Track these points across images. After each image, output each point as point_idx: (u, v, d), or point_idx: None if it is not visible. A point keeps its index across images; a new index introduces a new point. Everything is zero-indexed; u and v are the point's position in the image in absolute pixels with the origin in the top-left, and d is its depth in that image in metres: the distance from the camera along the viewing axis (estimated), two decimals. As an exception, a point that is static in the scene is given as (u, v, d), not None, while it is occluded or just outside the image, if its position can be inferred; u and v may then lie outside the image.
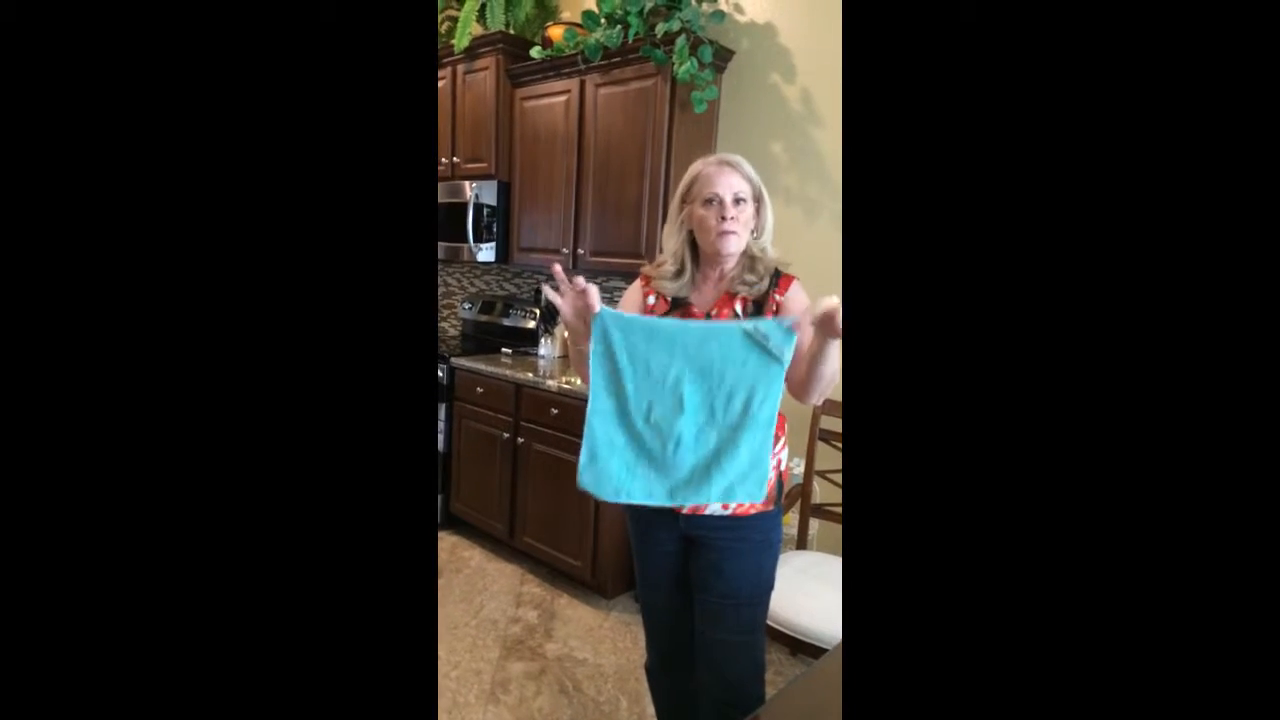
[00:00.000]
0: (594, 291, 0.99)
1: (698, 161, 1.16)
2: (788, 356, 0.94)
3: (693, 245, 1.17)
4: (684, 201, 1.16)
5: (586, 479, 1.04)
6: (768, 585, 1.20)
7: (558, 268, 1.02)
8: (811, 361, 0.99)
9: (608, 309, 1.00)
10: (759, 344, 0.93)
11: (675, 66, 2.12)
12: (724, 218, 1.10)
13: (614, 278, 2.73)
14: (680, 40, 2.09)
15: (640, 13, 2.20)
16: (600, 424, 1.03)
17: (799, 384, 1.04)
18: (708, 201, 1.12)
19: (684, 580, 1.24)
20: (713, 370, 0.96)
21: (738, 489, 1.00)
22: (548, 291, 1.01)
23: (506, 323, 3.06)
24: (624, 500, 1.05)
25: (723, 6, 2.33)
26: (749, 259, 1.16)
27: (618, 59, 2.30)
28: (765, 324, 0.93)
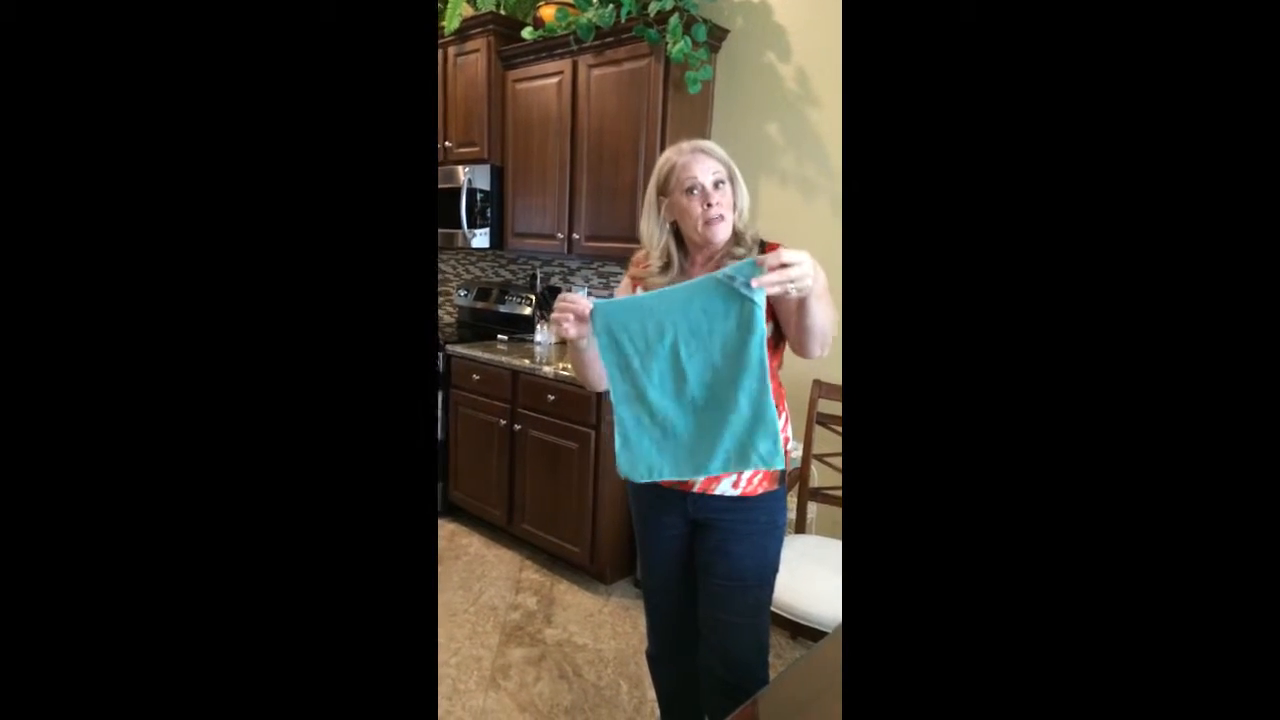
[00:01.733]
0: (582, 298, 1.03)
1: (668, 151, 1.15)
2: (760, 294, 0.95)
3: (676, 235, 1.16)
4: (661, 193, 1.14)
5: (622, 463, 1.07)
6: (773, 567, 1.20)
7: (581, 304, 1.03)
8: (798, 313, 1.00)
9: (599, 300, 1.03)
10: (732, 287, 0.94)
11: (669, 46, 2.08)
12: (709, 204, 1.10)
13: (609, 262, 2.71)
14: (673, 19, 2.06)
15: (633, -9, 2.16)
16: (624, 409, 1.06)
17: (794, 339, 1.06)
18: (689, 190, 1.11)
19: (688, 565, 1.24)
20: (700, 328, 0.98)
21: (750, 450, 1.00)
22: (564, 329, 1.04)
23: (502, 309, 3.04)
24: (657, 479, 1.07)
25: (717, -16, 2.29)
26: (734, 236, 1.16)
27: (610, 39, 2.26)
28: (733, 267, 0.94)
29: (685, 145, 1.14)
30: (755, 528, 1.17)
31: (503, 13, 2.65)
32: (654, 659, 1.37)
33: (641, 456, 1.06)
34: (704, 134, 2.37)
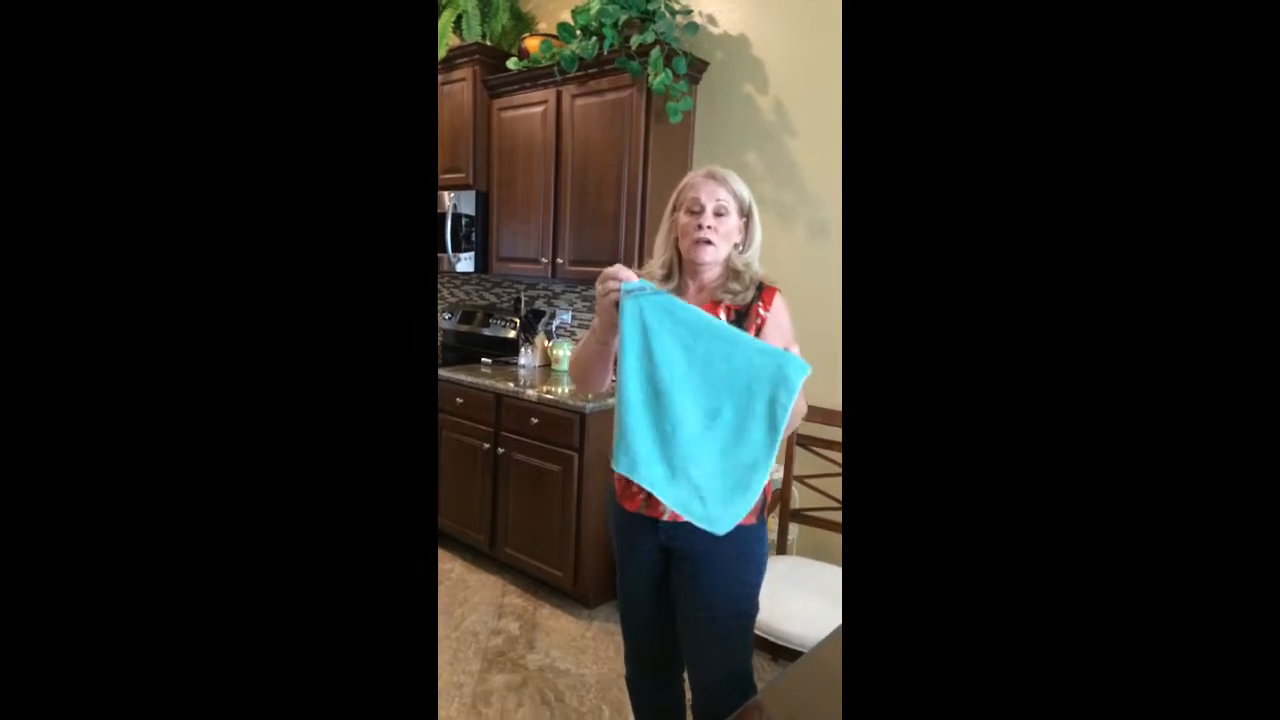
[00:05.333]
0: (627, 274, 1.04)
1: (691, 172, 1.20)
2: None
3: (680, 253, 1.20)
4: (674, 209, 1.19)
5: (619, 458, 1.05)
6: (750, 599, 1.18)
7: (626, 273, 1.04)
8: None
9: (643, 284, 1.03)
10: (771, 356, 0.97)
11: (650, 78, 2.14)
12: (700, 226, 1.13)
13: (593, 286, 2.74)
14: (655, 52, 2.12)
15: (615, 25, 2.22)
16: (633, 401, 1.03)
17: None
18: (690, 210, 1.15)
19: (664, 591, 1.23)
20: (730, 374, 0.99)
21: (701, 500, 1.01)
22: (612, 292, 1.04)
23: (487, 332, 3.05)
24: (635, 478, 1.04)
25: (696, 19, 2.36)
26: (732, 271, 1.17)
27: (594, 70, 2.32)
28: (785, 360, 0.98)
29: (705, 169, 1.18)
30: (728, 560, 1.14)
31: (488, 43, 2.71)
32: (633, 682, 1.37)
33: (634, 453, 1.04)
34: (685, 163, 2.42)
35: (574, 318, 2.86)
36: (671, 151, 2.35)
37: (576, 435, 2.19)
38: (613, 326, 1.05)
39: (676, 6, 2.29)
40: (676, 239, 1.18)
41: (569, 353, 2.66)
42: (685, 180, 1.19)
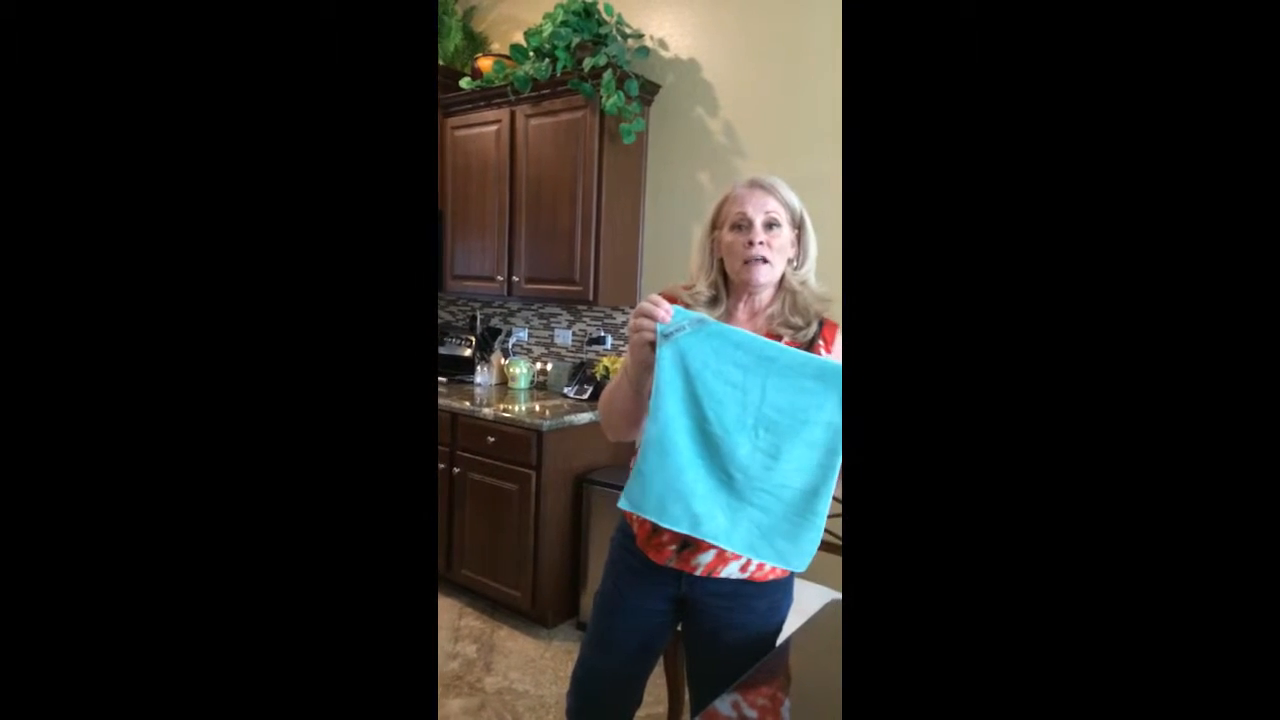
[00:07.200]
0: (663, 306, 0.92)
1: (733, 184, 1.06)
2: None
3: (725, 274, 1.05)
4: (713, 227, 1.04)
5: (635, 496, 0.96)
6: (769, 647, 1.08)
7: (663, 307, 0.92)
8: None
9: (682, 314, 0.92)
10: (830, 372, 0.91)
11: (603, 99, 2.18)
12: (752, 243, 0.98)
13: (549, 304, 2.75)
14: (607, 74, 2.16)
15: (567, 47, 2.26)
16: (676, 443, 0.94)
17: None
18: (736, 225, 1.00)
19: (655, 649, 1.13)
20: (791, 404, 0.91)
21: (774, 541, 0.94)
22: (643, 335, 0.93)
23: (442, 351, 3.02)
24: (681, 528, 0.94)
25: (648, 43, 2.42)
26: (789, 294, 1.03)
27: (547, 91, 2.35)
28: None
29: (747, 178, 1.03)
30: (753, 616, 1.05)
31: (440, 62, 2.71)
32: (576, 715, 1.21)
33: (694, 511, 0.94)
34: (639, 182, 2.47)
35: (530, 335, 2.86)
36: (625, 171, 2.39)
37: (534, 453, 2.19)
38: (646, 366, 0.94)
39: (628, 30, 2.35)
40: (722, 260, 1.03)
41: (522, 370, 2.66)
42: (725, 193, 1.04)
